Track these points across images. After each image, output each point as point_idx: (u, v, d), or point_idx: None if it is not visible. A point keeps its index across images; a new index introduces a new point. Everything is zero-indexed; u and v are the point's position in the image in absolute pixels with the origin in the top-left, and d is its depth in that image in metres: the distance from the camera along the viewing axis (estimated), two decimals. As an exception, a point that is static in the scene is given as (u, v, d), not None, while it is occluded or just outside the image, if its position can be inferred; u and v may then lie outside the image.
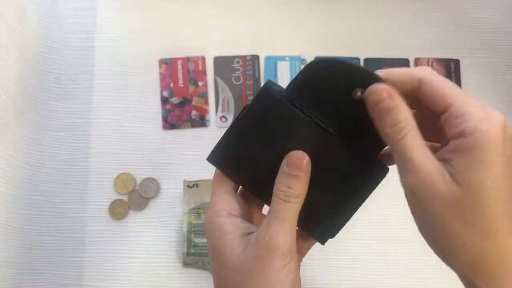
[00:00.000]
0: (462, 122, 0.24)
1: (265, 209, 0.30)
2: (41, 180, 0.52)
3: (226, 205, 0.30)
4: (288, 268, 0.27)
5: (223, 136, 0.30)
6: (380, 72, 0.26)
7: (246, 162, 0.30)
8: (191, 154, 0.54)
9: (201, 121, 0.55)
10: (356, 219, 0.31)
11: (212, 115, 0.55)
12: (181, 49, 0.56)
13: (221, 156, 0.30)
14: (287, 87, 0.29)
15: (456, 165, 0.24)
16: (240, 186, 0.31)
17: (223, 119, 0.55)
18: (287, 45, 0.57)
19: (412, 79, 0.26)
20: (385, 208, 0.53)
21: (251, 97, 0.56)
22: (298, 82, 0.28)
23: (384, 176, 0.29)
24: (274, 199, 0.28)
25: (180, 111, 0.55)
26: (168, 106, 0.55)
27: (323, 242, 0.30)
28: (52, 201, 0.52)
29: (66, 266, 0.51)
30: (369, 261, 0.52)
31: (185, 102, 0.55)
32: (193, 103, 0.55)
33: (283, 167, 0.28)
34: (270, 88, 0.29)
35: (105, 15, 0.57)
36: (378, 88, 0.25)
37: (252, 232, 0.28)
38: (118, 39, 0.56)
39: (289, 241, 0.27)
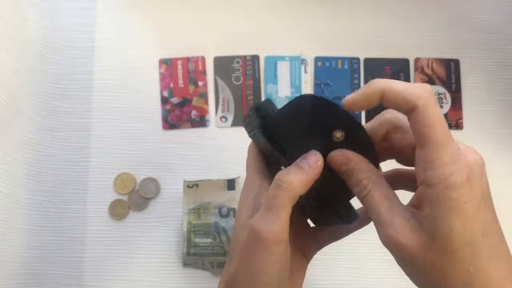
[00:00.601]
0: (429, 169, 0.24)
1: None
2: (41, 180, 0.52)
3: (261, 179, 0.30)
4: (274, 258, 0.27)
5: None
6: None
7: None
8: (191, 154, 0.54)
9: (201, 121, 0.55)
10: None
11: (212, 115, 0.55)
12: (181, 49, 0.56)
13: None
14: (275, 113, 0.29)
15: (425, 215, 0.24)
16: None
17: (223, 119, 0.55)
18: (287, 45, 0.57)
19: (381, 128, 0.28)
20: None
21: (251, 97, 0.56)
22: (284, 111, 0.28)
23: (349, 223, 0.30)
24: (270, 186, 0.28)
25: (180, 111, 0.55)
26: (168, 106, 0.55)
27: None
28: (52, 201, 0.52)
29: (66, 266, 0.51)
30: (371, 262, 0.52)
31: (185, 102, 0.55)
32: (193, 103, 0.55)
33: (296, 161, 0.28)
34: (259, 109, 0.29)
35: (105, 15, 0.57)
36: (336, 156, 0.27)
37: None
38: (118, 39, 0.56)
39: (275, 231, 0.26)
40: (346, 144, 0.28)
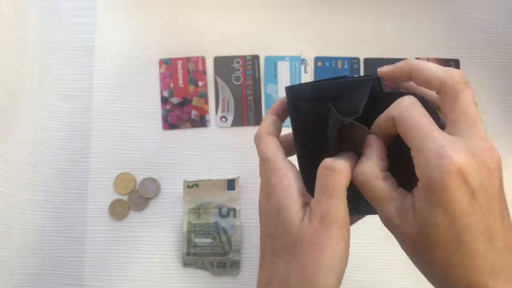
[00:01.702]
0: (421, 165, 0.24)
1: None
2: (41, 180, 0.52)
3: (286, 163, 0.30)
4: (343, 242, 0.28)
5: (306, 84, 0.32)
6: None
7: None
8: (191, 154, 0.54)
9: (201, 121, 0.55)
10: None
11: (212, 115, 0.55)
12: (181, 49, 0.56)
13: (298, 97, 0.31)
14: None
15: (417, 206, 0.25)
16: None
17: (223, 119, 0.55)
18: (287, 45, 0.57)
19: (388, 124, 0.27)
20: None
21: (251, 97, 0.56)
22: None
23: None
24: (320, 170, 0.28)
25: (180, 111, 0.55)
26: (168, 106, 0.55)
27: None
28: (52, 201, 0.52)
29: (66, 266, 0.51)
30: (371, 262, 0.52)
31: (185, 102, 0.55)
32: (193, 103, 0.55)
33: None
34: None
35: (105, 15, 0.57)
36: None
37: (308, 203, 0.29)
38: (118, 39, 0.56)
39: (341, 216, 0.27)
40: None
